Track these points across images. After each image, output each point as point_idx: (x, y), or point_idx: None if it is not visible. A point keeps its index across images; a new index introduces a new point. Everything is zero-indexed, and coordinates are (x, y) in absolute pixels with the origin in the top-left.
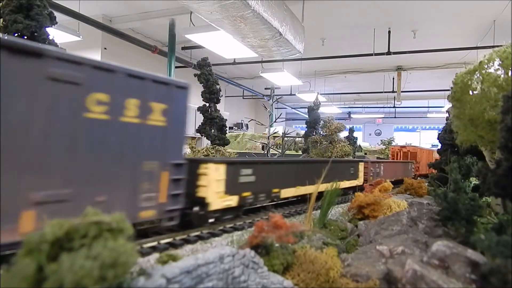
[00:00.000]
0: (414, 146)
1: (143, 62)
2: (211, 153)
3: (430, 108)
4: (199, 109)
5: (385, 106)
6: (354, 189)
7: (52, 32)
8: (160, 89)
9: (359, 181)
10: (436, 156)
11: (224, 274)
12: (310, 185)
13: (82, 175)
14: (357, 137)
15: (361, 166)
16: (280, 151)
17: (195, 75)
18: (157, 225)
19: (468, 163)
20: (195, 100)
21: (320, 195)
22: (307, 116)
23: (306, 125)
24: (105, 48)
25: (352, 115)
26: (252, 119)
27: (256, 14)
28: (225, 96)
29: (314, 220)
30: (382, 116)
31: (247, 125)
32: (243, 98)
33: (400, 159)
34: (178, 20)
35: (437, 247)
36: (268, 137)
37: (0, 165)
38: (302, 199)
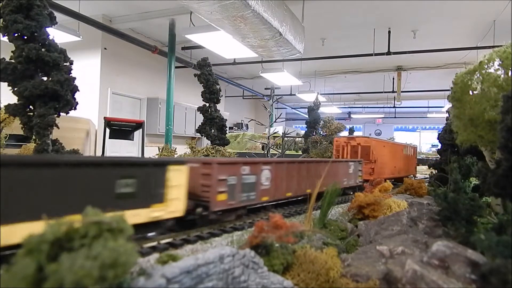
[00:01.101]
0: (367, 137)
1: (143, 62)
2: (211, 153)
3: (430, 108)
4: (199, 109)
5: (385, 106)
6: (160, 226)
7: (52, 32)
8: None
9: (165, 210)
10: (409, 152)
11: (224, 274)
12: None
13: None
14: None
15: (176, 176)
16: (280, 151)
17: (195, 75)
18: None
19: (468, 163)
20: (195, 100)
21: (320, 195)
22: (307, 116)
23: (306, 125)
24: (105, 48)
25: (352, 115)
26: (252, 119)
27: (256, 14)
28: (225, 96)
29: (314, 220)
30: (382, 116)
31: (247, 125)
32: (243, 98)
33: (347, 156)
34: (178, 20)
35: (437, 247)
36: (268, 137)
37: None
38: None
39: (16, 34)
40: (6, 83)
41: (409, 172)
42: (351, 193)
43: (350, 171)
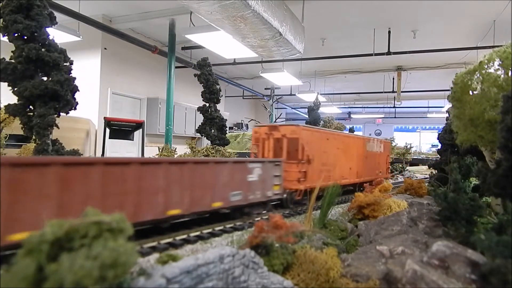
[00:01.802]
0: (296, 126)
1: (143, 62)
2: (211, 153)
3: (430, 108)
4: (199, 109)
5: (385, 106)
6: None
7: (52, 32)
8: None
9: None
10: (377, 149)
11: (224, 274)
12: None
13: None
14: None
15: None
16: None
17: (195, 75)
18: None
19: (468, 163)
20: (195, 100)
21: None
22: (307, 116)
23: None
24: (105, 48)
25: (352, 115)
26: (252, 119)
27: (256, 14)
28: (225, 96)
29: (314, 220)
30: (382, 116)
31: (247, 125)
32: (243, 98)
33: (269, 153)
34: (178, 20)
35: (437, 247)
36: None
37: None
38: None
39: (16, 34)
40: (6, 83)
41: (377, 175)
42: (260, 212)
43: (252, 178)
